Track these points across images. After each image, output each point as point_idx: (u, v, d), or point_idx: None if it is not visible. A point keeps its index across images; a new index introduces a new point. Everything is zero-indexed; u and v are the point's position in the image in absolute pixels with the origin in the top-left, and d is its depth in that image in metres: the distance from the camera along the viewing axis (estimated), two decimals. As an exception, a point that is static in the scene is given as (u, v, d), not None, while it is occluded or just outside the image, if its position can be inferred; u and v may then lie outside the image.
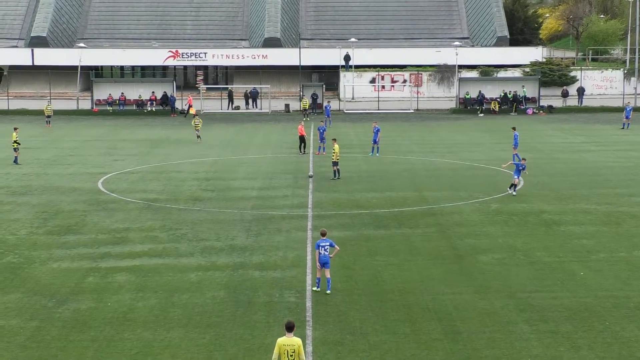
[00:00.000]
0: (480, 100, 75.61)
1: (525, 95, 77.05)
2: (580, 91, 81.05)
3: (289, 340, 15.34)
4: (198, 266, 25.26)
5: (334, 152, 40.57)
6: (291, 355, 15.25)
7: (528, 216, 31.87)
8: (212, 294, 22.48)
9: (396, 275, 24.14)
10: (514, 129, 46.67)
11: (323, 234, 22.93)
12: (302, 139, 50.26)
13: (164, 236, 29.06)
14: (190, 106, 74.42)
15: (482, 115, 73.96)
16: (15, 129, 47.28)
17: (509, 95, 76.28)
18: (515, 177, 36.25)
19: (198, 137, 55.40)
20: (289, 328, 15.47)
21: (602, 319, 20.38)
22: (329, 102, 72.91)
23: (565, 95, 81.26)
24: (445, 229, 29.92)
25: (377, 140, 48.59)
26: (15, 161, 45.87)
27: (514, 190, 36.08)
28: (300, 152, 49.95)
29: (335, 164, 40.58)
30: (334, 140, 42.07)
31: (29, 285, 23.42)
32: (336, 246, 22.79)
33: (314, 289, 22.61)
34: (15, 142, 46.11)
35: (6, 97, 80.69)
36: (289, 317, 18.99)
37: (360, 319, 20.47)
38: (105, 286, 23.28)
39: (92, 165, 45.59)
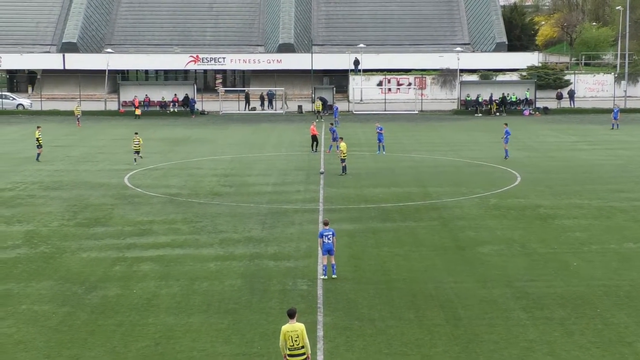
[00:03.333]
0: (490, 101, 75.33)
1: (527, 98, 76.88)
2: (571, 94, 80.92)
3: (291, 327, 15.29)
4: (217, 256, 25.27)
5: (341, 150, 40.76)
6: (295, 340, 15.23)
7: (524, 210, 31.76)
8: (230, 282, 22.49)
9: (401, 265, 24.11)
10: (506, 124, 46.71)
11: (326, 224, 22.96)
12: (314, 138, 50.24)
13: (185, 228, 29.10)
14: (136, 107, 72.97)
15: (479, 115, 73.87)
16: (38, 127, 47.20)
17: (494, 98, 75.99)
18: None
19: (135, 159, 44.29)
20: (291, 315, 15.41)
21: (594, 307, 20.30)
22: (334, 103, 72.93)
23: (559, 97, 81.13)
24: (447, 222, 29.85)
25: (381, 139, 48.66)
26: (37, 158, 45.60)
27: None
28: (313, 150, 49.93)
29: (342, 160, 40.74)
30: (341, 138, 42.42)
31: (61, 274, 23.49)
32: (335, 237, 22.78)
33: (322, 277, 22.60)
34: (37, 139, 45.90)
35: (39, 99, 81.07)
36: (291, 305, 18.68)
37: (367, 306, 20.44)
38: (130, 274, 23.33)
39: (118, 162, 45.65)
